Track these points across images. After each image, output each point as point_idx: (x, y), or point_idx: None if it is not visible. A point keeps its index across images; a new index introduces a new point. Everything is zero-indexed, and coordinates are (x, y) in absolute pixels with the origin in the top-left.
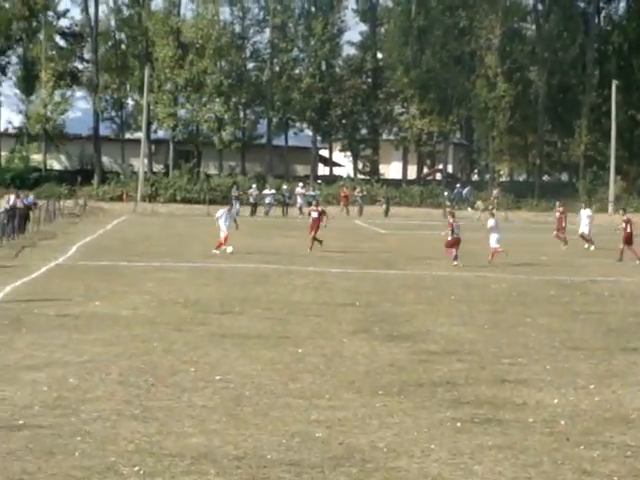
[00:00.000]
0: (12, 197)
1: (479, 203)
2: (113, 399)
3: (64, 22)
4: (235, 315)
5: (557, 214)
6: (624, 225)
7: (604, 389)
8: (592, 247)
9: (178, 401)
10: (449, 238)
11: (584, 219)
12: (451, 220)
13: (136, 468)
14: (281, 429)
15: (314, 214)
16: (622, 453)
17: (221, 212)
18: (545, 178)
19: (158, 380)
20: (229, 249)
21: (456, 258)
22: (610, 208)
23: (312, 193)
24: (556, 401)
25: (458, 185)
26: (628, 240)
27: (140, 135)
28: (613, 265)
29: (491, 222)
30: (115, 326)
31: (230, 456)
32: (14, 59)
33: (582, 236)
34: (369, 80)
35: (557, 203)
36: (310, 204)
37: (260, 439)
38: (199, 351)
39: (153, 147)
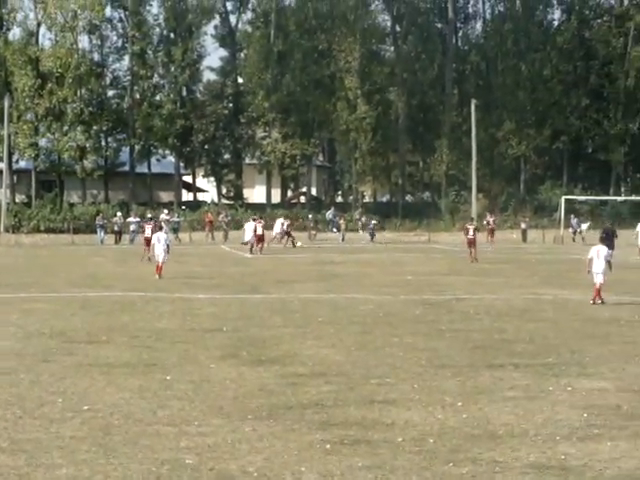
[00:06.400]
0: None
1: (341, 223)
2: None
3: None
4: (102, 344)
5: None
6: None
7: (471, 406)
8: None
9: (46, 432)
10: None
11: None
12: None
13: None
14: (151, 457)
15: (259, 229)
16: (491, 469)
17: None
18: (408, 198)
19: (26, 412)
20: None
21: None
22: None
23: (176, 219)
24: (424, 419)
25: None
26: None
27: (1, 166)
28: (478, 283)
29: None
30: None
31: None
32: None
33: None
34: (230, 105)
35: None
36: (175, 230)
37: (130, 468)
38: (66, 381)
39: (15, 177)
